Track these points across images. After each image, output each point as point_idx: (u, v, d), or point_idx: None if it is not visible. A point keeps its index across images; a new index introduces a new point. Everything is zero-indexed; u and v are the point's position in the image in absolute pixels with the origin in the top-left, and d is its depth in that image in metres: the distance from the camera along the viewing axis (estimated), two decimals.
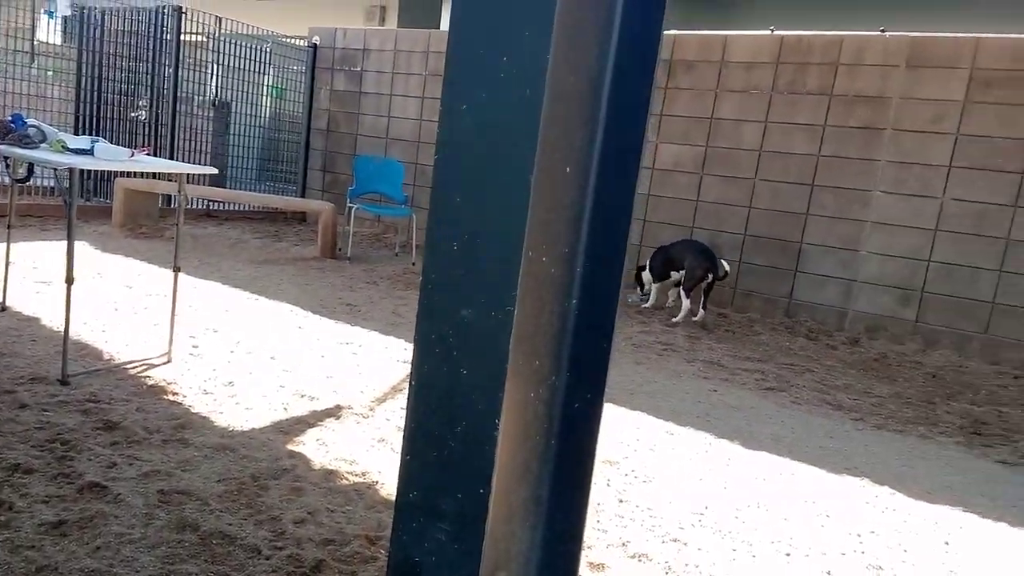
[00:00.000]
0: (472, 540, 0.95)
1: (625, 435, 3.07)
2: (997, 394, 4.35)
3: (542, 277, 1.09)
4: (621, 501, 2.47)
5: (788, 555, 2.22)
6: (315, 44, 8.19)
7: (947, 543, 2.42)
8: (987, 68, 4.97)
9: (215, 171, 3.51)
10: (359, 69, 7.98)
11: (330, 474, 2.39)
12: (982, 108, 4.99)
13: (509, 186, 0.83)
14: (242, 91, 8.22)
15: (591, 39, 0.99)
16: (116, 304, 4.08)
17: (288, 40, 8.63)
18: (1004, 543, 2.47)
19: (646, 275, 5.71)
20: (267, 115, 8.73)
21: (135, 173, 6.27)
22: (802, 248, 5.65)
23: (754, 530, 2.36)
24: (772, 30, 5.76)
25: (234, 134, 8.27)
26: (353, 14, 11.72)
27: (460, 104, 0.82)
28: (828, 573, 2.14)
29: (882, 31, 5.35)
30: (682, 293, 5.35)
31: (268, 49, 8.40)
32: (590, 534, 2.22)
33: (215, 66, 8.05)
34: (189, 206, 7.81)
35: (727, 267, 5.39)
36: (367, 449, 2.63)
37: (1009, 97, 4.90)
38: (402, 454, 0.94)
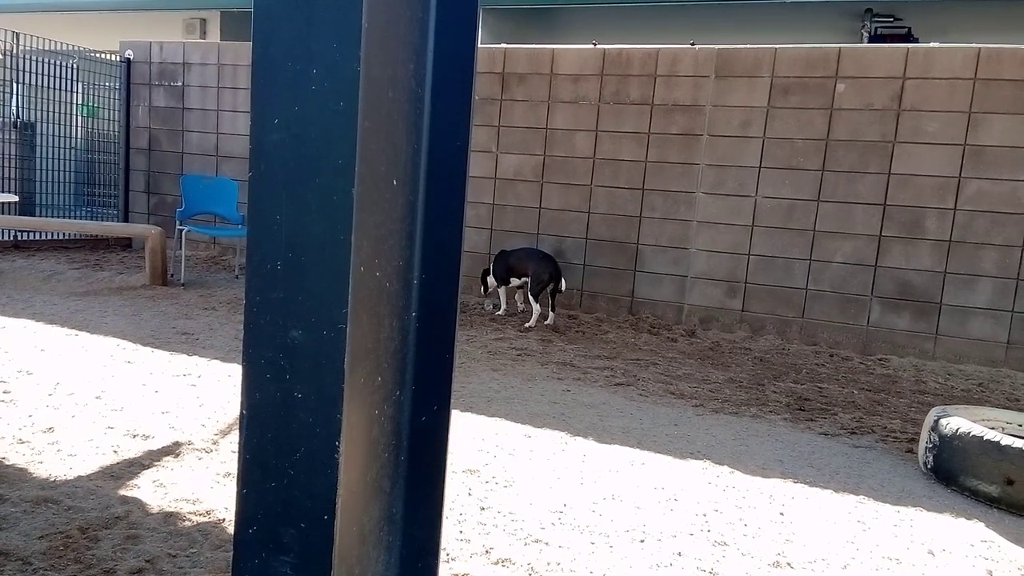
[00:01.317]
0: (320, 569, 0.92)
1: (485, 442, 3.09)
2: (816, 372, 4.78)
3: (377, 292, 1.08)
4: (483, 508, 2.48)
5: (642, 541, 2.32)
6: (128, 59, 7.65)
7: (782, 513, 2.62)
8: (784, 76, 5.48)
9: (14, 198, 3.18)
10: (180, 84, 7.54)
11: (170, 517, 2.22)
12: (783, 113, 5.49)
13: (331, 200, 0.81)
14: (49, 111, 7.52)
15: (407, 53, 0.99)
16: None
17: (97, 55, 8.01)
18: (830, 508, 2.71)
19: (491, 280, 5.82)
20: (80, 135, 8.05)
21: None
22: (639, 248, 5.95)
23: (610, 521, 2.44)
24: (595, 44, 6.04)
25: (42, 157, 7.55)
26: (170, 27, 11.07)
27: (271, 118, 0.79)
28: (679, 554, 2.25)
29: (692, 44, 5.76)
30: (530, 298, 5.49)
31: (75, 65, 7.75)
32: (453, 545, 2.21)
33: (16, 85, 7.32)
34: None
35: (563, 284, 5.65)
36: (211, 486, 2.47)
37: (804, 102, 5.43)
38: (237, 488, 0.89)
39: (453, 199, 1.07)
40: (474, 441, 3.10)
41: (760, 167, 5.57)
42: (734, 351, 5.19)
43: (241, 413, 0.88)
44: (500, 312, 5.79)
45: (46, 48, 7.45)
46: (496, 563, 2.12)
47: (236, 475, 0.87)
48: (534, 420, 3.42)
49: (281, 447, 0.86)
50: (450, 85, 1.01)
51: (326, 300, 0.83)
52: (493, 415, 3.45)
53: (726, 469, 2.99)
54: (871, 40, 8.47)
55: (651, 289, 5.95)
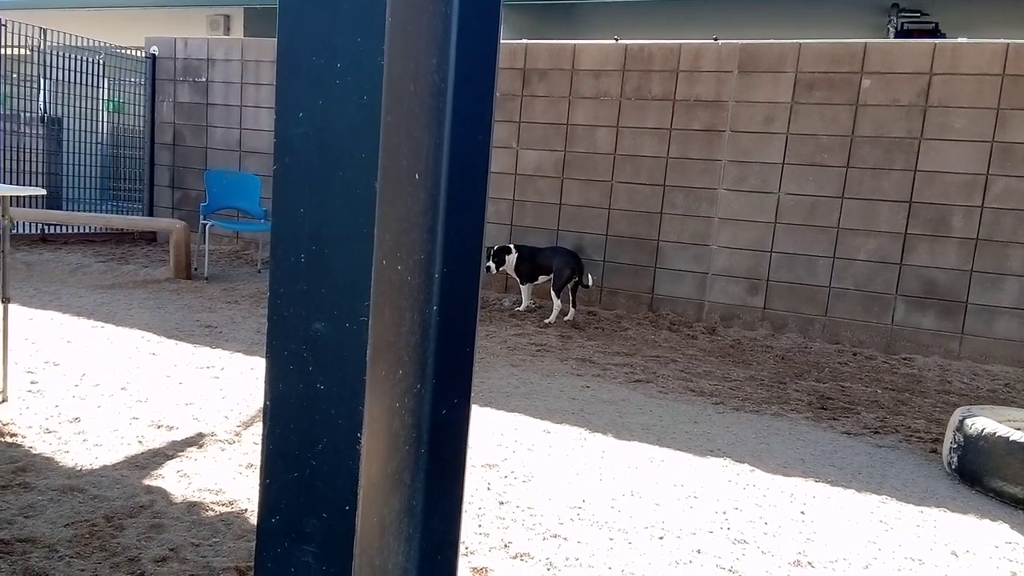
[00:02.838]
0: (341, 559, 0.93)
1: (504, 437, 3.10)
2: (839, 370, 4.74)
3: (399, 285, 1.08)
4: (502, 503, 2.48)
5: (661, 538, 2.31)
6: (154, 54, 7.74)
7: (803, 512, 2.60)
8: (809, 71, 5.42)
9: (41, 192, 3.24)
10: (204, 80, 7.61)
11: (193, 506, 2.25)
12: (807, 108, 5.44)
13: (354, 194, 0.81)
14: (76, 106, 7.63)
15: (430, 47, 0.99)
16: None
17: (123, 51, 8.11)
18: (852, 508, 2.69)
19: (510, 258, 5.67)
20: (106, 130, 8.16)
21: None
22: (659, 245, 5.93)
23: (629, 518, 2.44)
24: (616, 39, 6.01)
25: (69, 152, 7.67)
26: (195, 23, 11.18)
27: (296, 112, 0.80)
28: (698, 551, 2.25)
29: (715, 39, 5.71)
30: (552, 294, 5.49)
31: (101, 61, 7.85)
32: (472, 539, 2.22)
33: (43, 80, 7.44)
34: (22, 231, 7.16)
35: (591, 279, 5.67)
36: (234, 476, 2.50)
37: (829, 97, 5.37)
38: (261, 478, 0.90)
39: (475, 193, 1.07)
40: (493, 436, 3.10)
41: (783, 163, 5.52)
42: (755, 349, 5.16)
43: (265, 404, 0.89)
44: (520, 308, 5.79)
45: (73, 44, 7.56)
46: (515, 557, 2.13)
47: (259, 466, 0.88)
48: (553, 416, 3.42)
49: (304, 438, 0.87)
50: (473, 79, 1.01)
51: (349, 293, 0.84)
52: (512, 410, 3.45)
53: (746, 467, 2.98)
54: (897, 35, 8.35)
55: (672, 286, 5.92)
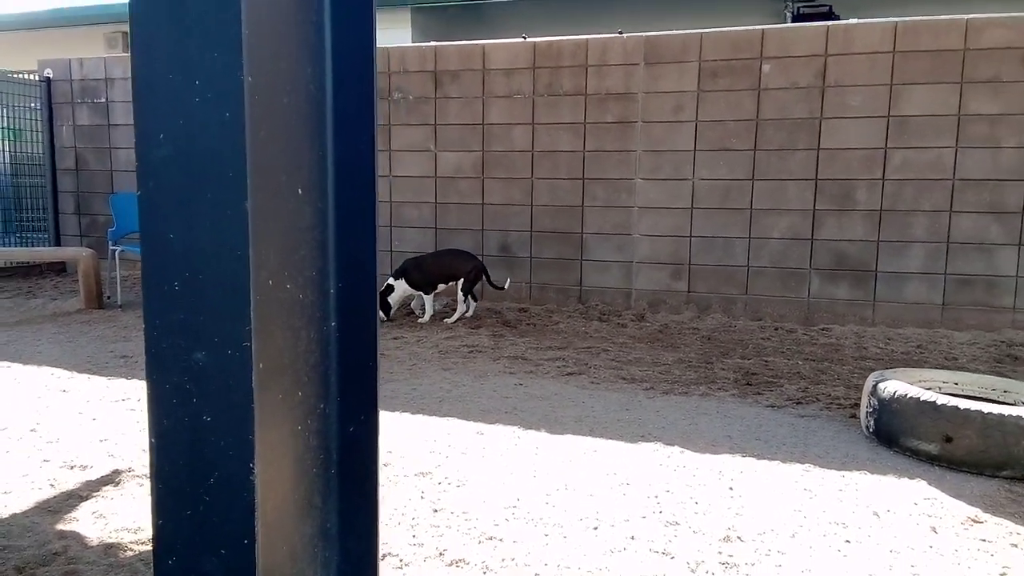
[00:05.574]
0: None
1: (437, 444, 3.07)
2: (762, 346, 4.88)
3: (290, 304, 1.05)
4: (436, 511, 2.46)
5: (596, 528, 2.33)
6: (48, 77, 7.38)
7: (731, 488, 2.66)
8: (712, 60, 5.56)
9: None
10: (104, 100, 7.31)
11: (110, 548, 2.15)
12: (713, 96, 5.58)
13: (224, 215, 0.78)
14: None
15: (302, 58, 0.96)
16: None
17: (14, 75, 7.71)
18: (778, 479, 2.77)
19: (397, 294, 5.44)
20: (4, 160, 7.74)
21: None
22: (584, 238, 5.99)
23: (564, 512, 2.45)
24: (524, 37, 6.04)
25: None
26: (91, 43, 10.72)
27: (157, 133, 0.76)
28: (632, 537, 2.27)
29: (620, 33, 5.81)
30: (464, 296, 5.47)
31: None
32: (406, 550, 2.19)
33: None
34: None
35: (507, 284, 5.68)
36: None
37: (732, 84, 5.53)
38: (153, 519, 0.86)
39: (363, 201, 1.05)
40: (426, 443, 3.07)
41: (695, 150, 5.65)
42: (682, 332, 5.27)
43: (150, 441, 0.85)
44: (424, 319, 5.53)
45: None
46: (450, 564, 2.11)
47: (150, 506, 0.84)
48: (486, 417, 3.41)
49: (194, 473, 0.83)
50: (351, 86, 0.99)
51: (228, 318, 0.80)
52: (445, 415, 3.43)
53: (676, 449, 3.03)
54: (794, 20, 8.66)
55: (599, 277, 5.99)
